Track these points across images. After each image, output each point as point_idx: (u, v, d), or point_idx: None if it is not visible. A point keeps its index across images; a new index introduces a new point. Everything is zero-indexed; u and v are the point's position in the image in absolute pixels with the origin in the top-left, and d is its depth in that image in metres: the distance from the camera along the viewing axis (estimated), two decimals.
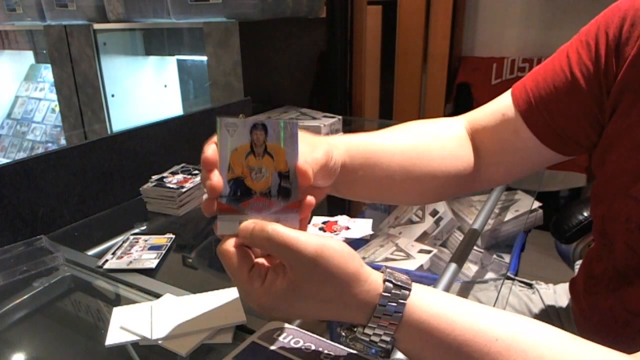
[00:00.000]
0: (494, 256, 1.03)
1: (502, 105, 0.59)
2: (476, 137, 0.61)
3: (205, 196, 0.42)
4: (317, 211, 0.91)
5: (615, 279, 0.57)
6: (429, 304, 0.39)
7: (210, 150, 0.42)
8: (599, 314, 0.60)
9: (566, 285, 0.75)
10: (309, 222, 0.54)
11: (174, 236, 0.83)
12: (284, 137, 0.42)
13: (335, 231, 0.90)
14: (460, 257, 0.67)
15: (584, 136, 0.55)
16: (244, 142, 0.42)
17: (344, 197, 0.58)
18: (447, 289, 0.59)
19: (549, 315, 0.72)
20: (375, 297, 0.39)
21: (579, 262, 0.83)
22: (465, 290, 0.73)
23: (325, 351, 0.47)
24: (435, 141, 0.60)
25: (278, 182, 0.43)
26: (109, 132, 1.84)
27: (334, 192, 0.55)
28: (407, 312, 0.39)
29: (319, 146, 0.47)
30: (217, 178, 0.40)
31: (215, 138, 0.43)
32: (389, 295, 0.39)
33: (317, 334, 0.50)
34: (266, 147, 0.42)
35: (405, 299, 0.39)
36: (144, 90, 1.91)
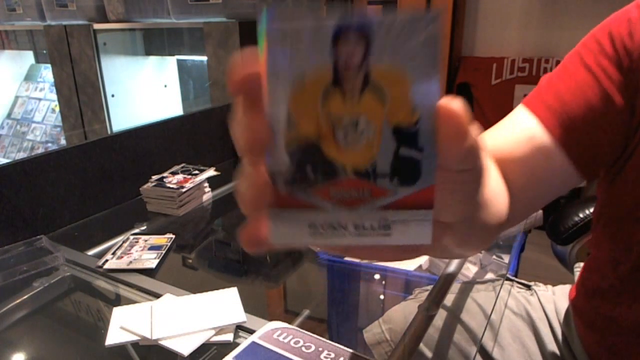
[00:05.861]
0: (494, 257, 1.03)
1: (527, 130, 0.49)
2: (504, 169, 0.49)
3: (240, 181, 0.21)
4: None
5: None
6: None
7: (247, 65, 0.19)
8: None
9: (565, 287, 0.75)
10: None
11: (174, 236, 0.84)
12: (412, 50, 0.19)
13: None
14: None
15: (614, 156, 0.48)
16: (320, 63, 0.19)
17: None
18: (447, 289, 0.59)
19: (548, 318, 0.72)
20: None
21: (577, 265, 0.83)
22: (464, 291, 0.73)
23: (325, 351, 0.47)
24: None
25: (394, 148, 0.20)
26: (109, 132, 1.84)
27: None
28: None
29: None
30: (263, 127, 0.20)
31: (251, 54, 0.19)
32: None
33: (317, 334, 0.50)
34: (368, 74, 0.19)
35: None
36: (144, 90, 1.91)
